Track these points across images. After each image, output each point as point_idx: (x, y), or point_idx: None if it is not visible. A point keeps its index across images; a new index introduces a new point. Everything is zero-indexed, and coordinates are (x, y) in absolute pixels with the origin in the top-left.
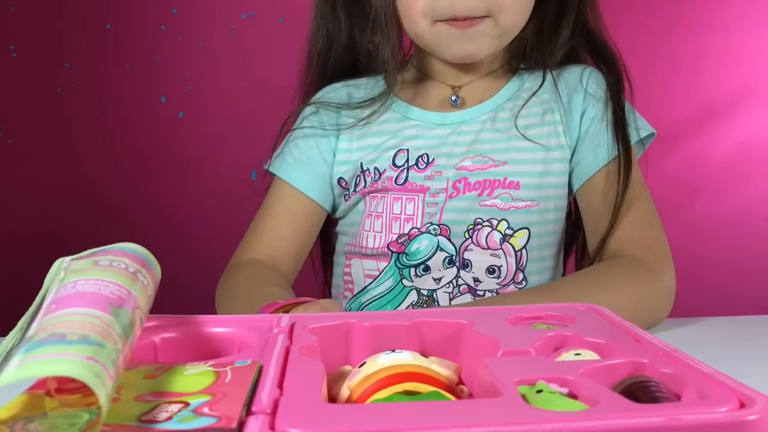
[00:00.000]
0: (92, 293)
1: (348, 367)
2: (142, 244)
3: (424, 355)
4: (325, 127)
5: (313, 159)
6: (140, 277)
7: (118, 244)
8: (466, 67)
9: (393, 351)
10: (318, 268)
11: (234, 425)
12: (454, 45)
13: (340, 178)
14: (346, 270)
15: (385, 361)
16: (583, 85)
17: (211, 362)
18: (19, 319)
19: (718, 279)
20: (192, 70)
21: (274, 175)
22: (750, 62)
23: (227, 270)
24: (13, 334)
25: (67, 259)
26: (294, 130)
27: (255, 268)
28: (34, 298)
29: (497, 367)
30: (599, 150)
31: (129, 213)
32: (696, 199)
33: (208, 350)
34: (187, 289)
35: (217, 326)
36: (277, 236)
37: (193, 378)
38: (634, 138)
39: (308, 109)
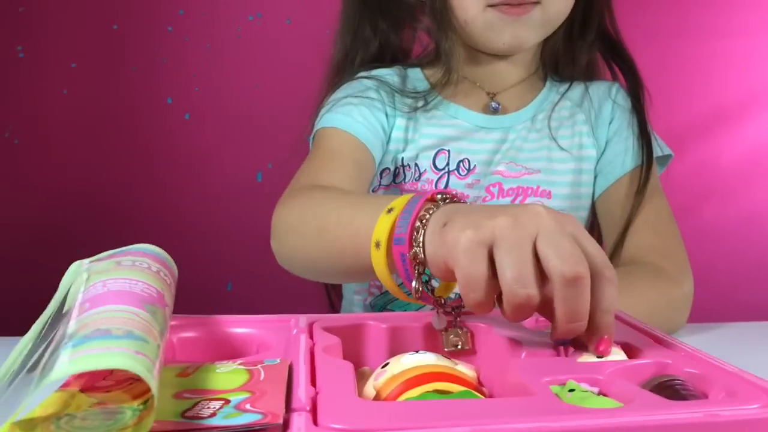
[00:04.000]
0: (125, 291)
1: (367, 369)
2: (147, 240)
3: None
4: (386, 104)
5: (376, 126)
6: (162, 276)
7: (135, 245)
8: (502, 71)
9: (416, 352)
10: None
11: (280, 420)
12: (506, 31)
13: (394, 157)
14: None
15: (409, 361)
16: (612, 97)
17: (239, 361)
18: (25, 318)
19: (725, 284)
20: (199, 71)
21: (330, 129)
22: (759, 66)
23: (285, 199)
24: (31, 336)
25: (86, 261)
26: (353, 96)
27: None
28: (40, 299)
29: (525, 368)
30: (625, 157)
31: (135, 214)
32: (704, 204)
33: (226, 350)
34: (194, 291)
35: (235, 326)
36: (347, 178)
37: (227, 376)
38: (656, 152)
39: (367, 82)
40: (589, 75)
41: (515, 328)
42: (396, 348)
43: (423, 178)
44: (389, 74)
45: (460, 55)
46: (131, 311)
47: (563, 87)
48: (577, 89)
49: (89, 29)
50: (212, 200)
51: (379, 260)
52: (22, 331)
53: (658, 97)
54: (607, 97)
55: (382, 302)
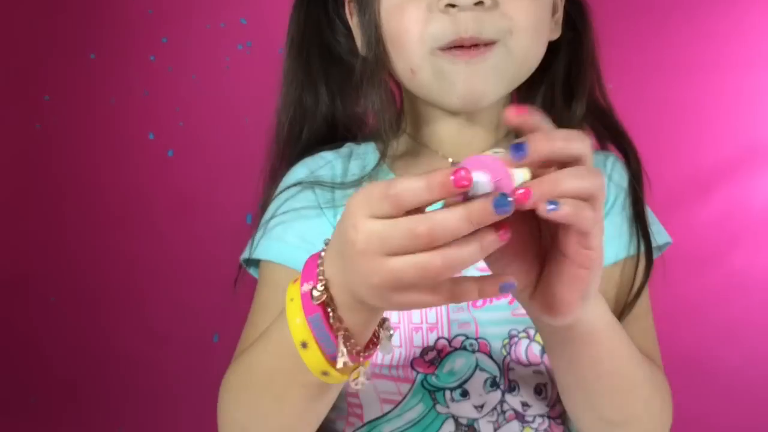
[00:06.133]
0: None
1: None
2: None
3: None
4: (321, 205)
5: (315, 241)
6: None
7: None
8: (465, 135)
9: None
10: None
11: None
12: (459, 80)
13: None
14: (351, 390)
15: None
16: (607, 171)
17: None
18: None
19: (755, 338)
20: (183, 104)
21: (264, 263)
22: None
23: (226, 379)
24: None
25: None
26: (284, 213)
27: None
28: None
29: None
30: (618, 242)
31: (113, 260)
32: (733, 252)
33: None
34: (179, 342)
35: None
36: None
37: None
38: (654, 241)
39: (296, 189)
40: None
41: None
42: None
43: None
44: (331, 159)
45: (416, 116)
46: None
47: None
48: None
49: (64, 58)
50: (198, 244)
51: (311, 358)
52: None
53: (684, 133)
54: (602, 170)
55: None
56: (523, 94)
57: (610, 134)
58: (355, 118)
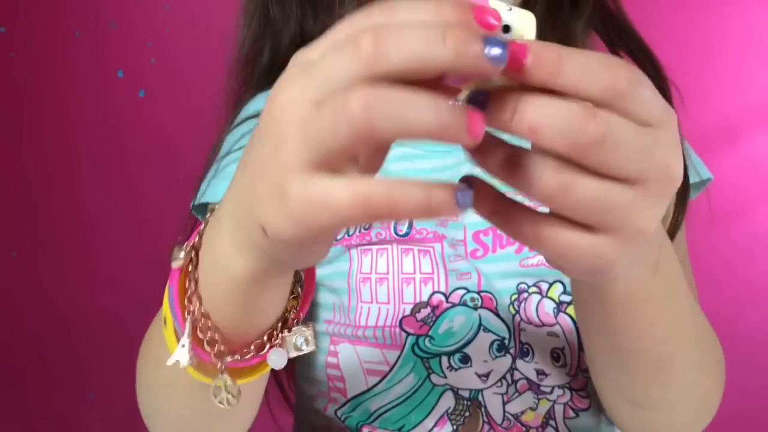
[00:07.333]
0: None
1: None
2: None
3: None
4: None
5: None
6: None
7: None
8: None
9: None
10: None
11: None
12: None
13: None
14: (331, 361)
15: None
16: None
17: None
18: None
19: None
20: (155, 39)
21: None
22: None
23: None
24: None
25: None
26: (239, 149)
27: None
28: None
29: None
30: None
31: (79, 211)
32: (759, 206)
33: None
34: (154, 299)
35: None
36: None
37: None
38: (693, 177)
39: (252, 122)
40: None
41: None
42: None
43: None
44: None
45: None
46: None
47: None
48: None
49: None
50: (171, 192)
51: (169, 340)
52: None
53: (706, 82)
54: None
55: (360, 416)
56: None
57: (626, 43)
58: None
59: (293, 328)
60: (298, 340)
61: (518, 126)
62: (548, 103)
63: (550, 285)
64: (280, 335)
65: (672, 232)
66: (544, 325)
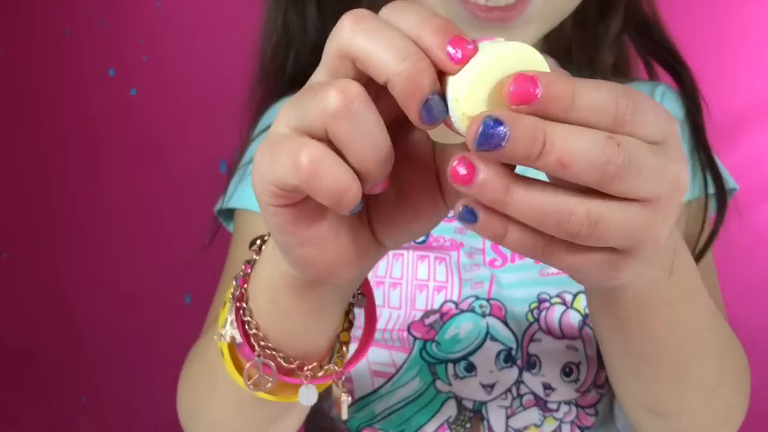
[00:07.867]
0: None
1: None
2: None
3: None
4: None
5: None
6: None
7: None
8: None
9: None
10: None
11: None
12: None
13: None
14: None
15: None
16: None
17: None
18: None
19: None
20: (146, 37)
21: (240, 212)
22: None
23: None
24: None
25: None
26: None
27: None
28: None
29: None
30: None
31: (71, 212)
32: (759, 203)
33: None
34: (146, 303)
35: None
36: None
37: None
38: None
39: None
40: (617, 74)
41: None
42: None
43: None
44: None
45: None
46: None
47: None
48: None
49: None
50: (166, 196)
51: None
52: None
53: (707, 78)
54: None
55: (365, 417)
56: None
57: (660, 54)
58: None
59: (338, 382)
60: (343, 396)
61: (545, 162)
62: (575, 134)
63: (574, 296)
64: (327, 367)
65: (709, 240)
66: (564, 337)
